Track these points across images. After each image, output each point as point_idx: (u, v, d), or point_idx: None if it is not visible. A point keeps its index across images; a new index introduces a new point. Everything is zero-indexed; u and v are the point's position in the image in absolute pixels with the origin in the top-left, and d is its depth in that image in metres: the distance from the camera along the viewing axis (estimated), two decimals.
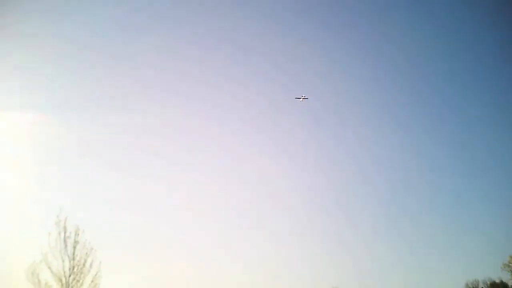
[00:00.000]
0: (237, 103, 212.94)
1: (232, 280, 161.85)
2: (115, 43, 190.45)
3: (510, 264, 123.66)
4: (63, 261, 40.45)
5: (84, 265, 40.95)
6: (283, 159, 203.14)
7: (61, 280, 40.20)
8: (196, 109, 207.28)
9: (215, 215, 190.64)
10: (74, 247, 40.90)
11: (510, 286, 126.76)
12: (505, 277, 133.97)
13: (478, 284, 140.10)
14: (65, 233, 41.01)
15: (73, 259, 40.70)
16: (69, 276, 40.37)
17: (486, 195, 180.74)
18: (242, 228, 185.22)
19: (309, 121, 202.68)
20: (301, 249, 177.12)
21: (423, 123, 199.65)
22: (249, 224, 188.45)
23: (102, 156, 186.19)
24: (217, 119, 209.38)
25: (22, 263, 42.55)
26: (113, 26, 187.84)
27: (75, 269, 40.58)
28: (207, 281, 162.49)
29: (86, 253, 41.21)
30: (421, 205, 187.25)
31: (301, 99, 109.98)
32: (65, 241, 40.83)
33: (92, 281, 41.06)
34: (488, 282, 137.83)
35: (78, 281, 40.64)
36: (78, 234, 41.46)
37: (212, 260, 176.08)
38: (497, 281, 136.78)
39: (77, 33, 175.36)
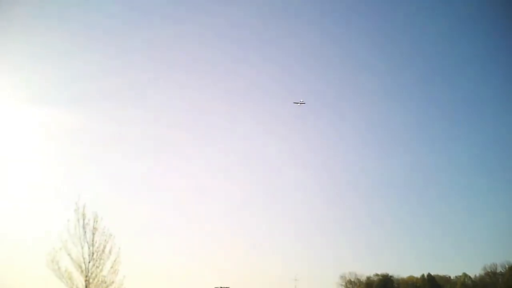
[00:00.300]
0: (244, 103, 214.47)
1: (253, 266, 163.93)
2: (129, 37, 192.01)
3: None
4: (82, 247, 40.58)
5: (103, 251, 41.02)
6: (295, 156, 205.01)
7: (80, 267, 40.36)
8: (204, 103, 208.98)
9: (232, 205, 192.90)
10: (93, 234, 40.96)
11: None
12: None
13: (496, 268, 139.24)
14: (84, 220, 41.12)
15: (92, 245, 40.79)
16: (89, 262, 40.53)
17: (507, 181, 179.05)
18: (261, 218, 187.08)
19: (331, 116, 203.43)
20: (323, 236, 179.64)
21: (438, 119, 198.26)
22: (266, 213, 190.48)
23: (118, 147, 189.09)
24: (227, 114, 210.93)
25: (42, 251, 43.05)
26: (125, 21, 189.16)
27: (94, 255, 40.68)
28: (218, 266, 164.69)
29: (105, 240, 41.27)
30: (441, 191, 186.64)
31: (298, 104, 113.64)
32: (84, 228, 40.92)
33: (111, 267, 41.16)
34: (507, 266, 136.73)
35: (97, 267, 40.75)
36: (97, 221, 41.53)
37: (228, 246, 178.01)
38: None
39: (90, 28, 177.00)
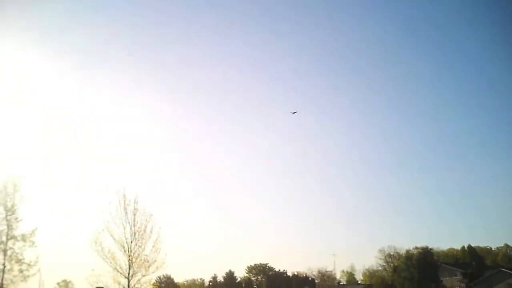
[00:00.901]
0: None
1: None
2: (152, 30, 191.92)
3: None
4: (124, 228, 41.68)
5: (144, 231, 42.02)
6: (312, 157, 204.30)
7: (123, 247, 41.44)
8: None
9: (271, 183, 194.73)
10: (134, 214, 41.98)
11: None
12: None
13: None
14: (125, 201, 42.13)
15: (134, 225, 41.81)
16: (131, 242, 41.55)
17: None
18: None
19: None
20: (362, 211, 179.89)
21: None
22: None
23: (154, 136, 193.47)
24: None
25: (85, 232, 44.36)
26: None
27: (136, 235, 41.70)
28: (257, 242, 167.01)
29: (146, 220, 42.26)
30: (480, 162, 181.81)
31: (293, 113, 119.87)
32: (125, 209, 41.95)
33: (153, 246, 42.13)
34: None
35: (140, 246, 41.77)
36: (137, 202, 42.52)
37: (267, 222, 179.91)
38: None
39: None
